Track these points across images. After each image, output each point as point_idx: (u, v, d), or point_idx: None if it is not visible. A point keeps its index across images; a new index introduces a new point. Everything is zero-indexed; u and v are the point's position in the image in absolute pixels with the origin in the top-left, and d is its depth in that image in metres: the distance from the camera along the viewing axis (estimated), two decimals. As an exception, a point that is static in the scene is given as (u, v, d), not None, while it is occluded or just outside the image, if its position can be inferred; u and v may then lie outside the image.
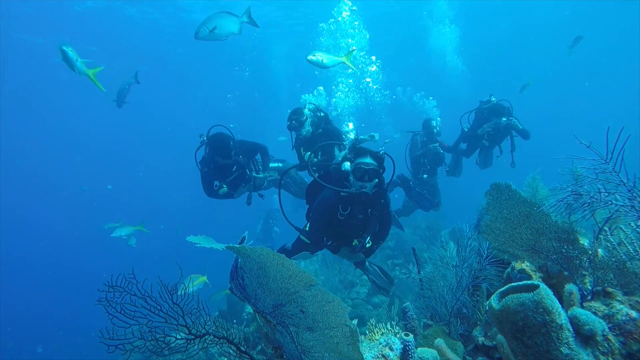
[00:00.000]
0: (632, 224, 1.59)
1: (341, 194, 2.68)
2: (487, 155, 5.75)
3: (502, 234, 1.78)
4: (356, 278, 5.79)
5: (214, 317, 1.97)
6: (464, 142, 5.92)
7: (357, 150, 2.78)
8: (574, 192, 1.64)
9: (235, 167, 4.28)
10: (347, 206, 2.71)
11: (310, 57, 3.83)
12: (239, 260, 1.66)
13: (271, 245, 9.46)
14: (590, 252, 1.62)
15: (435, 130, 5.66)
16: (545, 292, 1.23)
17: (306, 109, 4.33)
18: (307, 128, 4.27)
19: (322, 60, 3.87)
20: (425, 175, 5.80)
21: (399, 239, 6.78)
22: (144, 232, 6.08)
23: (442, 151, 5.69)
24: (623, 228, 1.66)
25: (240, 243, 1.91)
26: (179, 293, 1.86)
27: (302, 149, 4.30)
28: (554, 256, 1.69)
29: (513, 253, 1.79)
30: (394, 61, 15.35)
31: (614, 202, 1.57)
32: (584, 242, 1.81)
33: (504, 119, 5.23)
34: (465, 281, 2.02)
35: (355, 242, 2.80)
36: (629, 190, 1.54)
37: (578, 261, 1.64)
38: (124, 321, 1.84)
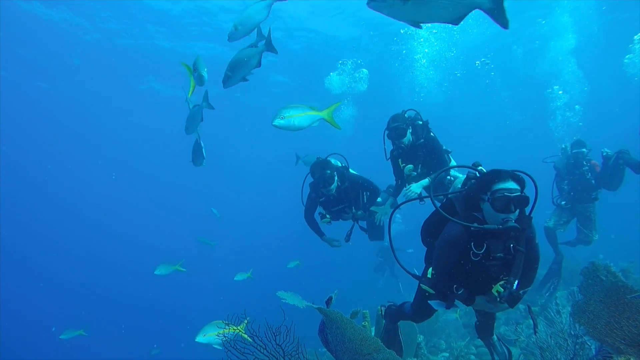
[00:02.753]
0: None
1: (471, 228, 2.18)
2: None
3: (597, 319, 1.64)
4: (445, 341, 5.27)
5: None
6: None
7: (492, 172, 2.23)
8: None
9: (342, 200, 4.24)
10: (482, 243, 2.21)
11: (276, 121, 3.11)
12: (324, 319, 1.93)
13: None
14: None
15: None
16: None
17: (407, 114, 4.00)
18: (408, 137, 3.89)
19: (293, 122, 3.17)
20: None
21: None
22: (181, 271, 6.14)
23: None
24: None
25: (327, 302, 2.20)
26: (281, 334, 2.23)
27: (400, 160, 3.94)
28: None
29: (613, 345, 1.62)
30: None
31: None
32: None
33: None
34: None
35: (498, 287, 2.24)
36: None
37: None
38: (237, 356, 2.29)
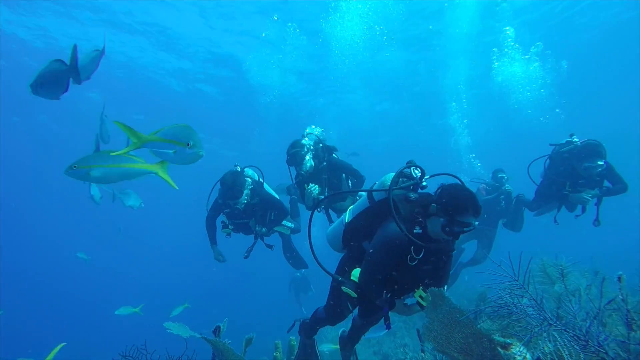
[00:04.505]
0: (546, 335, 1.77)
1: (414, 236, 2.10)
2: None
3: (439, 336, 2.02)
4: (393, 349, 5.54)
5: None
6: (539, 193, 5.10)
7: (463, 201, 2.04)
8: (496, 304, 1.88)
9: (247, 215, 4.17)
10: (421, 248, 2.15)
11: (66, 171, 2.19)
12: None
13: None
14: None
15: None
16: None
17: (305, 140, 3.99)
18: (309, 162, 3.89)
19: (98, 174, 2.22)
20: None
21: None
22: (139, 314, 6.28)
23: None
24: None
25: (215, 332, 2.31)
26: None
27: (305, 185, 3.95)
28: (483, 361, 1.89)
29: (451, 354, 2.01)
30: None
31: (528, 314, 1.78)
32: (517, 349, 1.99)
33: (600, 161, 4.11)
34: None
35: (421, 292, 2.21)
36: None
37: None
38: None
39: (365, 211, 2.41)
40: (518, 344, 2.03)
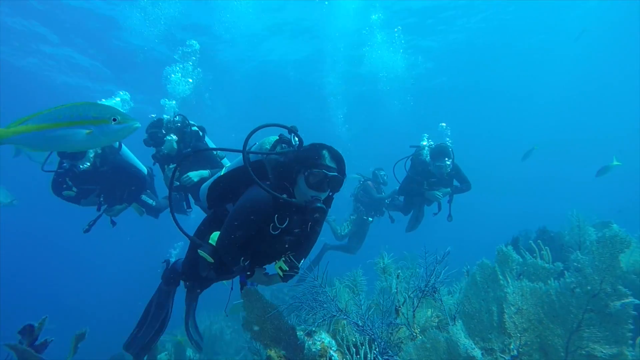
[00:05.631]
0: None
1: (280, 200, 2.00)
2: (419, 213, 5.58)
3: (257, 331, 2.31)
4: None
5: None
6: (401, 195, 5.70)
7: (320, 146, 2.06)
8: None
9: (89, 182, 3.71)
10: (285, 217, 2.08)
11: None
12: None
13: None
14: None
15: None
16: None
17: (165, 118, 3.73)
18: (171, 145, 3.67)
19: None
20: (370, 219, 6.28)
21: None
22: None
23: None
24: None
25: (24, 332, 2.23)
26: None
27: (166, 166, 3.76)
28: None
29: (264, 343, 2.32)
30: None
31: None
32: (318, 336, 2.40)
33: (448, 161, 4.72)
34: None
35: (281, 263, 2.19)
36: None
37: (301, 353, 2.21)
38: None
39: (236, 170, 2.26)
40: (321, 331, 2.45)
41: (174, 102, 4.20)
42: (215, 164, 3.82)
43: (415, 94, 15.13)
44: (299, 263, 2.27)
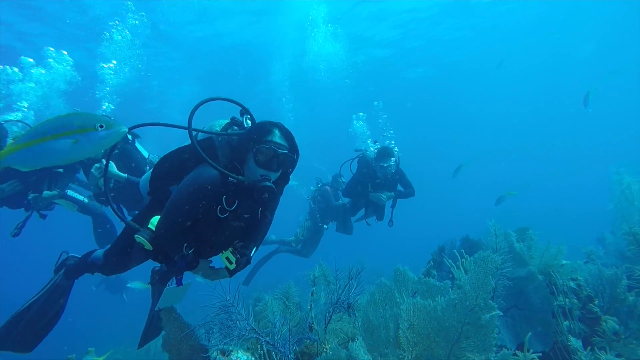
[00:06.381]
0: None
1: (230, 179, 1.89)
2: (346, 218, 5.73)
3: (172, 347, 2.39)
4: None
5: None
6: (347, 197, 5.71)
7: (269, 123, 1.98)
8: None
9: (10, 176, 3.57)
10: (234, 200, 1.96)
11: None
12: None
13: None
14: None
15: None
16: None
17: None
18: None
19: None
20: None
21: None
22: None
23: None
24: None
25: None
26: None
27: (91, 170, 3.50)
28: None
29: (180, 362, 2.40)
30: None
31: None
32: (235, 355, 2.51)
33: (391, 161, 4.84)
34: None
35: (229, 254, 2.04)
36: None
37: None
38: None
39: (184, 147, 2.12)
40: (238, 350, 2.56)
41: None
42: (139, 172, 3.62)
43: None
44: (251, 253, 2.12)
